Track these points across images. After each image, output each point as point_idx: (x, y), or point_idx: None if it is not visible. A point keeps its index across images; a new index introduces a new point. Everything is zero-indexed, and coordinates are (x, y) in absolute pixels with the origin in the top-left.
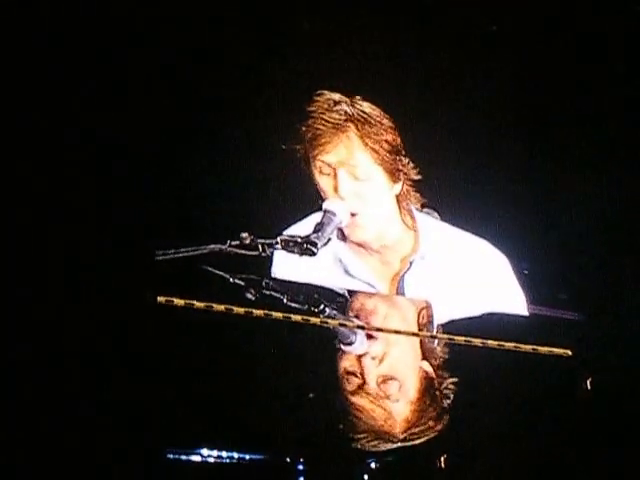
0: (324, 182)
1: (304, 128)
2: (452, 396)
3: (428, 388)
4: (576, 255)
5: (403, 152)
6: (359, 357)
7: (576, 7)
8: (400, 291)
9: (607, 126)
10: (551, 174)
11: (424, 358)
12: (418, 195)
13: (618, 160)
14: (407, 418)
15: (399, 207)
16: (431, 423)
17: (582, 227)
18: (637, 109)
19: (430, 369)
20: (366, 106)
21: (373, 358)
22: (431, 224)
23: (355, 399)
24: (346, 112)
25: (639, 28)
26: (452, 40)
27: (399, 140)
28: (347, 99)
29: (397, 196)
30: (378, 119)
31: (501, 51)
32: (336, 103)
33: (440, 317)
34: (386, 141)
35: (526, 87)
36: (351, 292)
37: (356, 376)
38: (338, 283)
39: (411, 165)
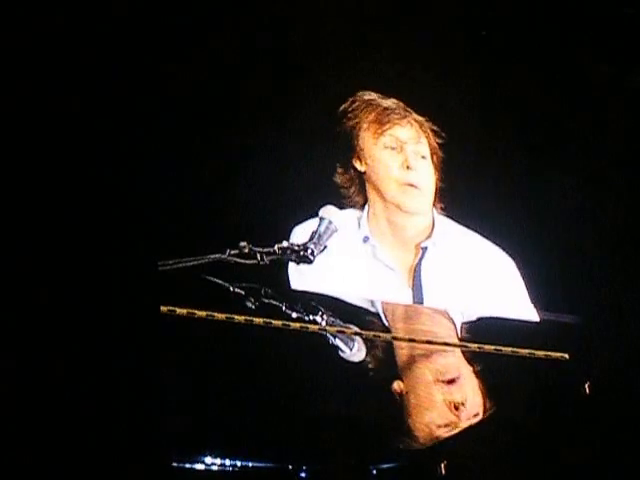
0: (388, 156)
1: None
2: None
3: None
4: (573, 258)
5: None
6: None
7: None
8: (417, 280)
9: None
10: (547, 181)
11: None
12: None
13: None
14: None
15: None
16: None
17: (580, 230)
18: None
19: None
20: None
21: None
22: (446, 221)
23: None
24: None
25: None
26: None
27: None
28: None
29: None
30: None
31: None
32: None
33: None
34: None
35: (551, 100)
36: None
37: None
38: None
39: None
